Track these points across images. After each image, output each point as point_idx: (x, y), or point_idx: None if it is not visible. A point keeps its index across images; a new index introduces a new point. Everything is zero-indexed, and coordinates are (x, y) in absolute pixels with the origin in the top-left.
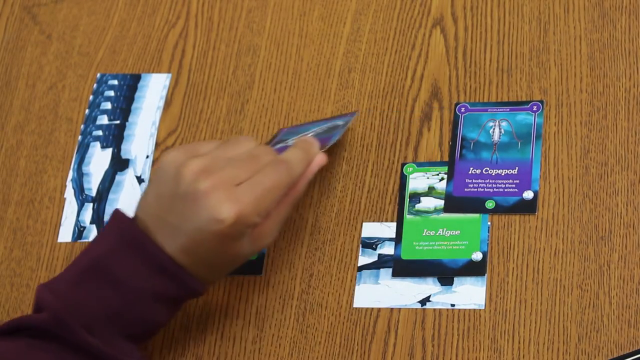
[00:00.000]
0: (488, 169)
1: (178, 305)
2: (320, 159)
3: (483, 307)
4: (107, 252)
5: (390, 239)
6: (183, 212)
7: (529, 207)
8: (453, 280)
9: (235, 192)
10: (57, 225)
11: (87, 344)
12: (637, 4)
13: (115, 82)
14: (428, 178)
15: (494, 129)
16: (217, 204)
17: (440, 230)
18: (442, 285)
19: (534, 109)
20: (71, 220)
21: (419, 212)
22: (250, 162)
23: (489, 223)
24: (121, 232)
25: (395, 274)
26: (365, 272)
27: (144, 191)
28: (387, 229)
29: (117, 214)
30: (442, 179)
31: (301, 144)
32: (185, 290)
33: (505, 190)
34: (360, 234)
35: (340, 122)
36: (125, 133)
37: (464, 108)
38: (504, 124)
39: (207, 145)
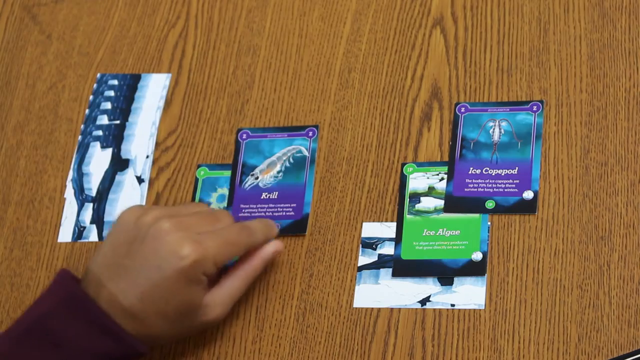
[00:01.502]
0: (488, 169)
1: None
2: (279, 245)
3: (483, 307)
4: (49, 312)
5: (390, 239)
6: (143, 253)
7: (529, 207)
8: (453, 280)
9: (198, 235)
10: (57, 225)
11: None
12: (637, 4)
13: (115, 82)
14: (428, 178)
15: (494, 129)
16: (179, 240)
17: (440, 230)
18: (442, 285)
19: (534, 109)
20: (71, 220)
21: (419, 212)
22: (211, 218)
23: (489, 223)
24: (65, 292)
25: (395, 274)
26: (365, 272)
27: (99, 246)
28: (387, 229)
29: (63, 272)
30: (442, 179)
31: (264, 222)
32: (128, 351)
33: (505, 190)
34: (360, 234)
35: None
36: (125, 133)
37: (464, 108)
38: (504, 124)
39: (163, 207)
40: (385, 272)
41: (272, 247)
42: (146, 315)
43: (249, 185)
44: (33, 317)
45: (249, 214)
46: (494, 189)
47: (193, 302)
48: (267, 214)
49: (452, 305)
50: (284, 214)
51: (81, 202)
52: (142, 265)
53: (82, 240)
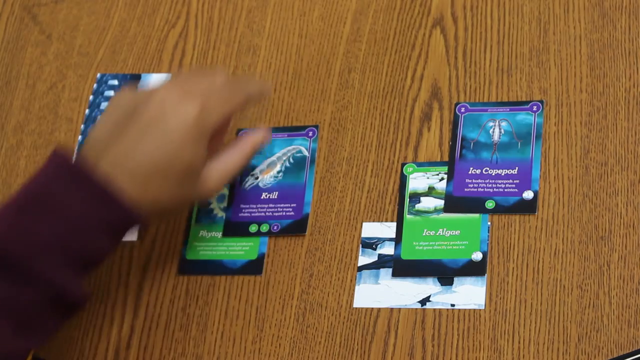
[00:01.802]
0: (488, 169)
1: (120, 235)
2: (267, 133)
3: (483, 307)
4: (48, 183)
5: (390, 239)
6: (145, 118)
7: (529, 207)
8: (453, 280)
9: (198, 92)
10: None
11: (35, 274)
12: (637, 4)
13: (116, 82)
14: (428, 178)
15: (494, 129)
16: (181, 99)
17: (440, 230)
18: (442, 285)
19: (534, 109)
20: None
21: (419, 212)
22: (207, 74)
23: (489, 223)
24: (64, 164)
25: (395, 274)
26: (365, 272)
27: (94, 125)
28: (387, 229)
29: (56, 150)
30: (442, 179)
31: (255, 79)
32: (130, 219)
33: (505, 190)
34: (360, 234)
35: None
36: None
37: (464, 108)
38: (504, 124)
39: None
40: (385, 272)
41: (262, 133)
42: (149, 177)
43: (249, 185)
44: (30, 190)
45: (248, 214)
46: (494, 189)
47: (195, 164)
48: (267, 214)
49: (452, 305)
50: (284, 214)
51: None
52: (146, 129)
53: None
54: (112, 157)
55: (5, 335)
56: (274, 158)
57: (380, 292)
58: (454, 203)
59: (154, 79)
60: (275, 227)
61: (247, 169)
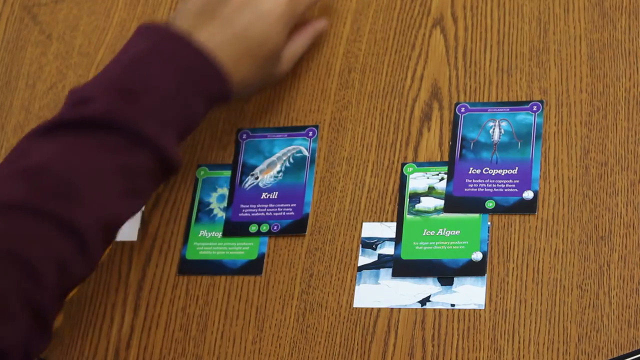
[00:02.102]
0: (488, 169)
1: (212, 105)
2: (325, 22)
3: (483, 307)
4: (154, 48)
5: (390, 239)
6: (239, 2)
7: (529, 207)
8: (453, 280)
9: None
10: None
11: (146, 134)
12: (637, 4)
13: None
14: (428, 178)
15: (494, 129)
16: None
17: (440, 230)
18: (442, 285)
19: (534, 109)
20: None
21: (419, 212)
22: None
23: (489, 223)
24: (158, 32)
25: (395, 274)
26: (365, 272)
27: (178, 8)
28: (387, 229)
29: (144, 23)
30: (442, 179)
31: None
32: (223, 89)
33: (505, 190)
34: (360, 234)
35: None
36: None
37: (464, 108)
38: (504, 124)
39: None
40: (385, 272)
41: (322, 21)
42: (241, 55)
43: (249, 185)
44: (136, 55)
45: (248, 214)
46: (494, 189)
47: (280, 47)
48: (267, 214)
49: (452, 305)
50: (284, 214)
51: None
52: (240, 8)
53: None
54: (208, 32)
55: (115, 196)
56: (274, 158)
57: (380, 292)
58: (454, 203)
59: None
60: (275, 227)
61: (247, 169)
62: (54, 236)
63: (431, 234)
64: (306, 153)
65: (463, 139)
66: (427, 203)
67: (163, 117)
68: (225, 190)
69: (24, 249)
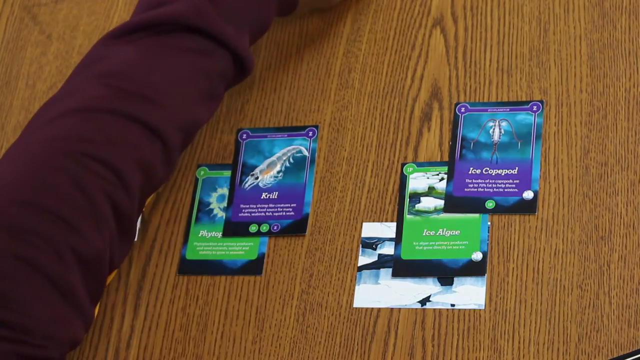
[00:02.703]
0: (488, 169)
1: (280, 12)
2: None
3: (483, 307)
4: None
5: (390, 239)
6: None
7: (529, 207)
8: (453, 280)
9: None
10: None
11: (226, 34)
12: (637, 4)
13: None
14: (428, 178)
15: (494, 129)
16: None
17: (440, 230)
18: (442, 285)
19: (534, 109)
20: None
21: (419, 212)
22: None
23: (489, 223)
24: None
25: (395, 274)
26: (365, 272)
27: None
28: (387, 229)
29: None
30: (442, 179)
31: None
32: (291, 5)
33: (505, 190)
34: (360, 234)
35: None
36: None
37: (464, 108)
38: (504, 124)
39: None
40: (385, 272)
41: None
42: None
43: (249, 185)
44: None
45: (248, 214)
46: (494, 189)
47: None
48: (267, 214)
49: (452, 305)
50: (284, 214)
51: None
52: None
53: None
54: None
55: (194, 99)
56: (274, 158)
57: (380, 292)
58: (454, 203)
59: None
60: (275, 227)
61: (247, 169)
62: (138, 140)
63: (431, 234)
64: (306, 153)
65: (463, 139)
66: (427, 203)
67: (240, 19)
68: (225, 190)
69: (111, 153)
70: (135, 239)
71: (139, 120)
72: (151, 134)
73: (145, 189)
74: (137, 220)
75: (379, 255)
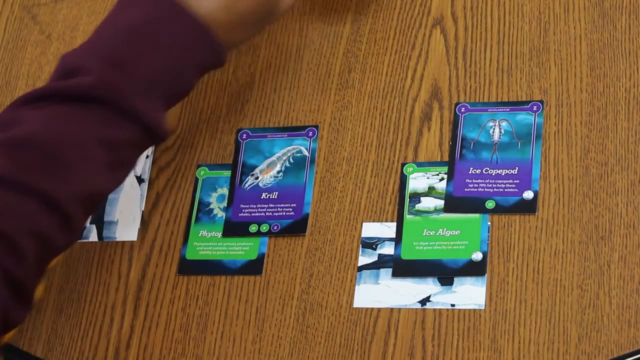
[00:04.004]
0: (488, 169)
1: (204, 74)
2: None
3: (483, 307)
4: (148, 18)
5: (390, 239)
6: None
7: (529, 207)
8: (453, 280)
9: None
10: None
11: (134, 108)
12: (637, 4)
13: None
14: (428, 178)
15: (494, 129)
16: None
17: (440, 230)
18: (442, 285)
19: (534, 109)
20: None
21: (419, 212)
22: None
23: (489, 223)
24: (156, 1)
25: (395, 274)
26: (365, 272)
27: None
28: (387, 229)
29: None
30: (442, 179)
31: None
32: (216, 59)
33: (505, 190)
34: (360, 234)
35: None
36: None
37: (464, 108)
38: (504, 124)
39: None
40: (385, 272)
41: None
42: (233, 26)
43: (249, 185)
44: (130, 23)
45: (248, 214)
46: (494, 189)
47: (275, 6)
48: (267, 214)
49: (452, 305)
50: (284, 214)
51: None
52: None
53: (82, 240)
54: (195, 5)
55: (99, 170)
56: (274, 158)
57: (380, 292)
58: (454, 203)
59: None
60: (275, 227)
61: (247, 169)
62: (35, 211)
63: (431, 234)
64: (306, 153)
65: (463, 139)
66: (427, 203)
67: (153, 90)
68: (225, 190)
69: (3, 223)
70: (135, 239)
71: (37, 192)
72: (48, 206)
73: (43, 256)
74: (36, 284)
75: (379, 255)
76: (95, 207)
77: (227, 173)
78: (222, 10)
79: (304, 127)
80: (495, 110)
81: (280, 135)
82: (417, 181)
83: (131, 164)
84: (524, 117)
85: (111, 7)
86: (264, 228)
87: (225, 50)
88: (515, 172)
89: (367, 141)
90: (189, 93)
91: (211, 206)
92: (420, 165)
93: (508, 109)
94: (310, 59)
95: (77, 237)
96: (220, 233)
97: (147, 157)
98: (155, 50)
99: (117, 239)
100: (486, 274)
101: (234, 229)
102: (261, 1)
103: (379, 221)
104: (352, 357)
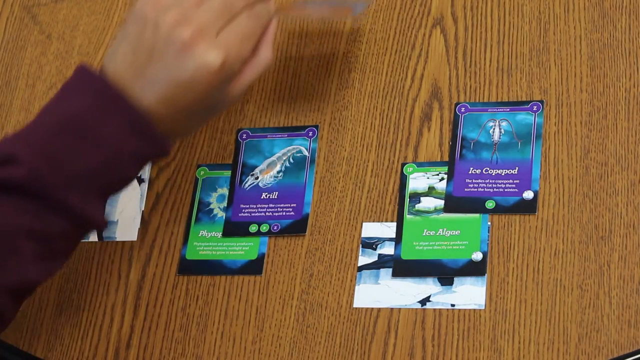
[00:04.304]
0: (488, 169)
1: (144, 165)
2: (275, 23)
3: (483, 307)
4: (83, 109)
5: (390, 239)
6: (165, 63)
7: (529, 207)
8: (453, 280)
9: (218, 39)
10: None
11: (64, 202)
12: (637, 4)
13: None
14: (428, 178)
15: (494, 129)
16: (203, 51)
17: (440, 230)
18: (442, 285)
19: (534, 109)
20: None
21: (419, 212)
22: (224, 8)
23: (489, 223)
24: (95, 89)
25: (395, 274)
26: (365, 272)
27: (113, 46)
28: (387, 229)
29: (84, 69)
30: (442, 179)
31: (261, 2)
32: (158, 151)
33: (505, 190)
34: (360, 234)
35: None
36: None
37: (464, 108)
38: (504, 124)
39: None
40: (385, 272)
41: (268, 56)
42: (174, 119)
43: (249, 186)
44: (66, 114)
45: (248, 214)
46: (494, 189)
47: (220, 99)
48: (267, 214)
49: (452, 305)
50: (284, 214)
51: None
52: (167, 74)
53: (82, 241)
54: (137, 95)
55: (29, 261)
56: (274, 158)
57: (380, 292)
58: (454, 203)
59: None
60: (275, 227)
61: (247, 169)
62: None
63: (431, 234)
64: (306, 153)
65: (463, 139)
66: (427, 203)
67: (86, 182)
68: (225, 190)
69: None
70: (135, 239)
71: None
72: None
73: None
74: None
75: (379, 255)
76: (27, 297)
77: (227, 173)
78: (162, 103)
79: (304, 127)
80: (495, 110)
81: (280, 135)
82: (417, 181)
83: (66, 253)
84: (524, 117)
85: (111, 8)
86: (264, 228)
87: (169, 140)
88: (515, 172)
89: (367, 141)
90: (129, 182)
91: (211, 206)
92: (420, 165)
93: (508, 109)
94: (310, 59)
95: (10, 322)
96: (220, 233)
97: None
98: (90, 142)
99: (117, 239)
100: (486, 274)
101: (234, 229)
102: (203, 97)
103: (379, 221)
104: (352, 357)
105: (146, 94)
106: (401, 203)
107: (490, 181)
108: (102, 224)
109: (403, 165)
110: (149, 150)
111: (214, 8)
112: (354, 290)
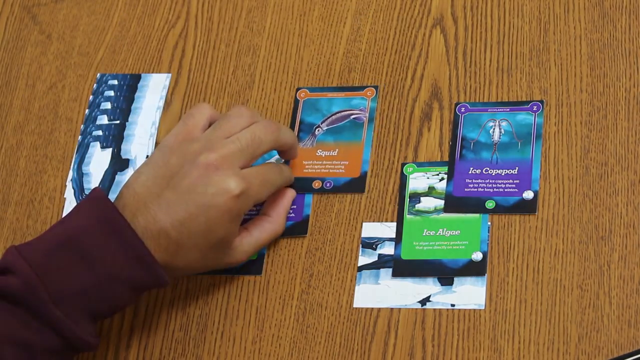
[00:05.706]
0: (488, 169)
1: (142, 292)
2: (293, 193)
3: (483, 307)
4: (85, 230)
5: (390, 239)
6: (186, 186)
7: (529, 207)
8: (453, 280)
9: (241, 172)
10: None
11: (53, 317)
12: (637, 4)
13: (115, 82)
14: (428, 178)
15: (494, 129)
16: (226, 176)
17: (440, 230)
18: (442, 285)
19: (534, 109)
20: None
21: (419, 212)
22: (252, 146)
23: (489, 223)
24: (101, 213)
25: (395, 274)
26: (365, 272)
27: (136, 171)
28: (387, 229)
29: (97, 192)
30: (442, 179)
31: (284, 166)
32: (155, 281)
33: (505, 190)
34: (360, 234)
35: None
36: (125, 133)
37: (464, 108)
38: (504, 124)
39: (201, 130)
40: (385, 272)
41: (290, 197)
42: (180, 245)
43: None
44: (67, 232)
45: (249, 216)
46: (494, 189)
47: (228, 239)
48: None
49: (452, 305)
50: None
51: None
52: (186, 198)
53: None
54: (150, 217)
55: None
56: (273, 160)
57: (380, 292)
58: (454, 203)
59: (155, 79)
60: None
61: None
62: None
63: (431, 234)
64: None
65: (463, 139)
66: (427, 203)
67: (76, 302)
68: None
69: None
70: None
71: None
72: None
73: None
74: None
75: (379, 255)
76: None
77: None
78: (175, 225)
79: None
80: (495, 110)
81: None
82: (417, 181)
83: None
84: (524, 117)
85: (111, 8)
86: None
87: (167, 273)
88: (515, 172)
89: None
90: (123, 308)
91: None
92: (420, 165)
93: (508, 109)
94: (310, 59)
95: None
96: None
97: (147, 157)
98: (83, 264)
99: None
100: (486, 274)
101: None
102: (213, 225)
103: (379, 221)
104: (352, 357)
105: (162, 213)
106: (401, 203)
107: (490, 181)
108: (91, 345)
109: (403, 165)
110: (144, 278)
111: (242, 142)
112: (354, 290)
